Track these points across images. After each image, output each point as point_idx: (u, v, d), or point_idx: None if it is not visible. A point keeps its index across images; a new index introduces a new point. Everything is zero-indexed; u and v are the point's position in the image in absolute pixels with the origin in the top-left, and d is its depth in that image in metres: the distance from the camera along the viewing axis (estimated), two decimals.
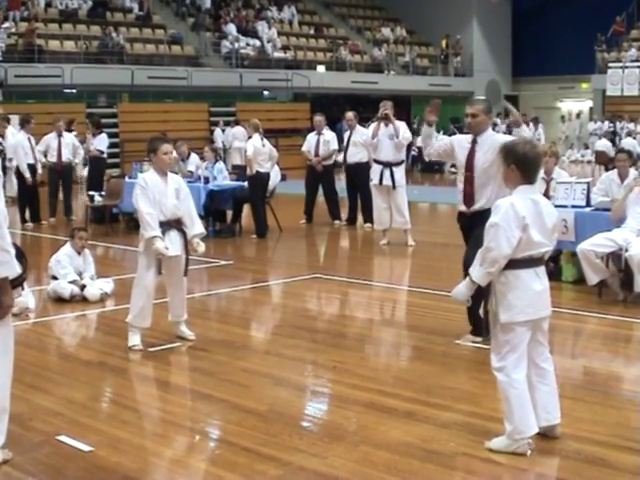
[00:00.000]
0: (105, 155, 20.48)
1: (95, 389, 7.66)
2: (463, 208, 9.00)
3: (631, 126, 36.20)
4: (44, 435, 6.40)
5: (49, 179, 19.06)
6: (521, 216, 5.74)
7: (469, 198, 8.86)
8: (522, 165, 5.86)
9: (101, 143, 19.89)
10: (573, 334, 9.67)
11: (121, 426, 6.59)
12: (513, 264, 5.82)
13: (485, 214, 8.30)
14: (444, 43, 45.08)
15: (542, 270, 5.98)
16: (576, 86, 44.71)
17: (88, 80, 30.54)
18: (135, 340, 8.75)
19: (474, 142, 8.74)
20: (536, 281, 5.90)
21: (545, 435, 6.10)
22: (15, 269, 5.45)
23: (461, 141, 9.03)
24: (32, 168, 18.55)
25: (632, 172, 11.75)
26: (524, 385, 5.92)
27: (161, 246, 8.62)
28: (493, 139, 8.63)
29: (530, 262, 5.88)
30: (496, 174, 8.18)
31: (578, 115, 42.22)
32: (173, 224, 8.93)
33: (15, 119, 22.69)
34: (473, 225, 8.47)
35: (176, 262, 8.95)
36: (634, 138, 32.57)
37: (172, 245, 8.83)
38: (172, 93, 34.06)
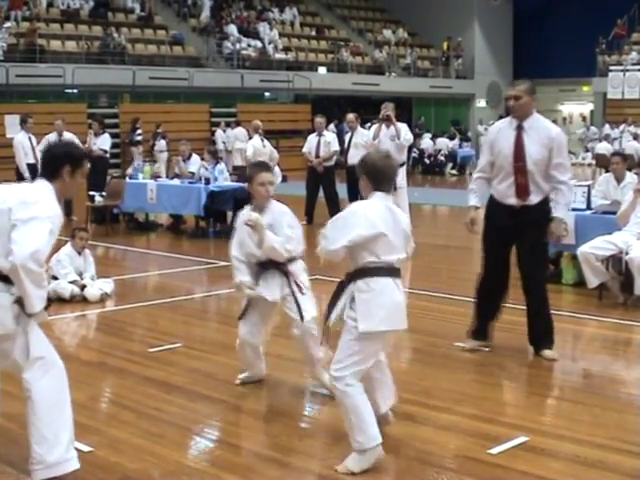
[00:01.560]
0: (108, 155, 20.48)
1: (95, 389, 7.66)
2: (512, 201, 8.21)
3: (631, 129, 36.20)
4: None
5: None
6: (370, 219, 5.73)
7: (523, 190, 8.14)
8: (372, 175, 5.88)
9: (104, 143, 19.87)
10: (573, 337, 9.68)
11: (121, 426, 6.59)
12: (374, 271, 5.74)
13: (539, 208, 8.20)
14: (445, 45, 45.09)
15: (400, 283, 5.87)
16: (577, 89, 44.75)
17: (89, 80, 30.54)
18: (243, 374, 7.78)
19: (520, 128, 8.14)
20: (396, 292, 5.79)
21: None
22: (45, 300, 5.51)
23: (502, 129, 8.38)
24: (33, 168, 18.53)
25: (630, 175, 11.77)
26: (364, 395, 5.75)
27: (249, 291, 7.38)
28: (541, 125, 8.18)
29: (390, 271, 5.78)
30: (547, 165, 8.06)
31: (584, 118, 42.25)
32: (270, 264, 7.45)
33: (13, 118, 22.64)
34: (523, 222, 8.16)
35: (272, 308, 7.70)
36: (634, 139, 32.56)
37: (268, 289, 7.46)
38: (173, 94, 34.06)
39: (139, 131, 28.37)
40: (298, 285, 7.47)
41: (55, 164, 5.41)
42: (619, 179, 11.69)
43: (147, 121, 30.69)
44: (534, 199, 8.16)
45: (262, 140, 17.39)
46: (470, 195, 8.63)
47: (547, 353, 8.36)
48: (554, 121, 37.89)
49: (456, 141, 36.81)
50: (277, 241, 7.34)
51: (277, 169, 18.29)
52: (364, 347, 5.69)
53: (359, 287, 5.75)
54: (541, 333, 8.51)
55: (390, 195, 5.96)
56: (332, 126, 31.91)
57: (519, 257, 8.42)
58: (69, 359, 8.68)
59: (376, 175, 5.89)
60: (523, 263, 8.40)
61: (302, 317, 7.30)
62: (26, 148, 18.60)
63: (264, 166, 7.83)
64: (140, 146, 29.15)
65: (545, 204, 8.21)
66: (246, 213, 7.60)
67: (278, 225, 7.48)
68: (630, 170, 12.48)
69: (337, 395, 5.77)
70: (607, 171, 29.34)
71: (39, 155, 18.59)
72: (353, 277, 5.85)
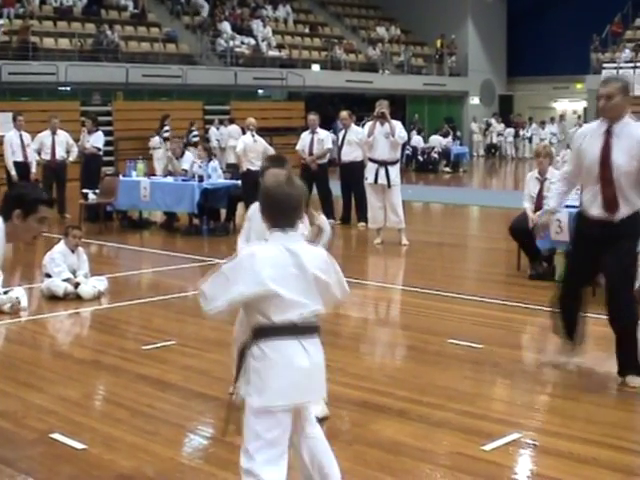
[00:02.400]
0: (101, 152, 20.46)
1: (89, 387, 7.66)
2: (599, 213, 7.40)
3: None
4: (37, 433, 6.39)
5: (43, 177, 19.02)
6: (257, 272, 4.52)
7: (610, 203, 7.31)
8: (267, 208, 4.75)
9: (97, 140, 19.85)
10: None
11: (114, 424, 6.59)
12: (270, 332, 4.57)
13: (629, 222, 7.30)
14: (439, 43, 45.09)
15: (313, 342, 4.68)
16: (571, 86, 44.75)
17: (82, 78, 30.50)
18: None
19: (609, 133, 7.29)
20: (301, 355, 4.60)
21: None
22: None
23: (588, 133, 7.53)
24: (23, 166, 18.46)
25: None
26: None
27: None
28: (631, 130, 7.28)
29: (293, 330, 4.59)
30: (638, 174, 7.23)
31: (579, 117, 42.27)
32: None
33: (5, 116, 22.59)
34: (612, 235, 7.34)
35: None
36: None
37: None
38: (167, 91, 34.02)
39: (167, 127, 28.56)
40: None
41: (6, 206, 5.26)
42: None
43: (141, 119, 30.66)
44: (623, 212, 7.31)
45: (253, 136, 17.36)
46: (549, 197, 8.27)
47: (630, 379, 7.52)
48: (552, 119, 37.67)
49: (449, 138, 36.82)
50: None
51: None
52: (265, 428, 4.59)
53: (253, 353, 4.62)
54: (626, 356, 7.62)
55: (294, 232, 4.70)
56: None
57: (606, 273, 7.67)
58: (63, 357, 8.71)
59: (272, 208, 4.71)
60: (610, 280, 7.57)
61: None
62: (14, 146, 18.51)
63: (278, 161, 6.37)
64: (168, 142, 29.21)
65: (636, 218, 7.38)
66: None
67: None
68: None
69: None
70: None
71: (30, 153, 18.58)
72: (250, 340, 4.68)
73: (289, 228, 4.67)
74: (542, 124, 40.87)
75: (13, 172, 18.28)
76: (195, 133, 30.09)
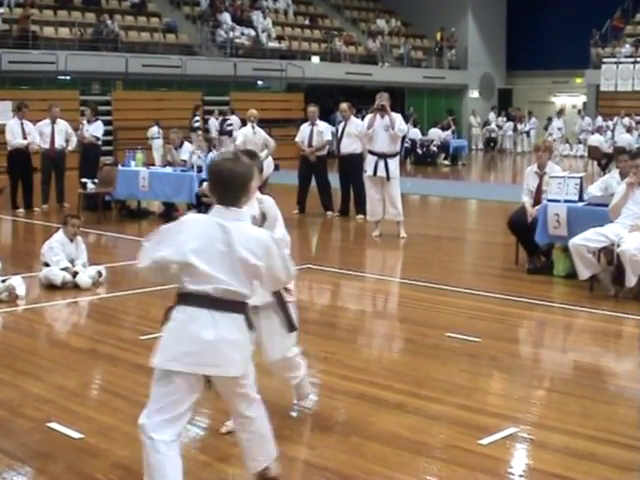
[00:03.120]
0: (101, 142, 20.45)
1: (86, 376, 7.66)
2: None
3: (624, 121, 36.22)
4: (34, 422, 6.40)
5: (42, 166, 19.01)
6: (181, 241, 4.70)
7: None
8: (211, 182, 4.93)
9: (97, 130, 19.84)
10: (564, 328, 9.71)
11: (112, 413, 6.59)
12: (185, 298, 4.73)
13: None
14: (439, 35, 45.04)
15: (228, 317, 4.74)
16: (570, 81, 44.71)
17: (82, 67, 30.46)
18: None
19: None
20: (208, 326, 4.68)
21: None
22: None
23: None
24: (21, 153, 18.42)
25: None
26: (172, 450, 4.74)
27: None
28: None
29: (205, 301, 4.68)
30: None
31: (579, 111, 42.26)
32: None
33: (5, 105, 22.59)
34: None
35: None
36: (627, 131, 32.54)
37: None
38: (166, 82, 33.97)
39: (197, 118, 28.81)
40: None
41: None
42: (625, 177, 11.51)
43: (140, 108, 30.64)
44: None
45: (253, 128, 17.34)
46: None
47: None
48: (558, 113, 37.35)
49: (449, 131, 36.77)
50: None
51: (270, 158, 18.26)
52: (164, 391, 4.72)
53: (170, 315, 4.81)
54: None
55: (237, 209, 4.81)
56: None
57: None
58: (60, 346, 8.71)
59: (215, 183, 4.86)
60: None
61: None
62: (15, 133, 18.47)
63: (249, 154, 5.66)
64: (199, 132, 29.44)
65: None
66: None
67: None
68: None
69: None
70: (599, 164, 29.41)
71: (28, 138, 18.53)
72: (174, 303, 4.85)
73: (232, 205, 4.78)
74: (549, 120, 40.40)
75: (19, 140, 18.23)
76: (197, 118, 30.26)
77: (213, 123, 31.78)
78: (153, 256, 4.75)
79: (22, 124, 18.57)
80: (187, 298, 4.71)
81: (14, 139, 18.36)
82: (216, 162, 4.92)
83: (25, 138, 18.41)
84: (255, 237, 4.81)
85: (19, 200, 18.43)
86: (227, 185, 4.78)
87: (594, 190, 11.66)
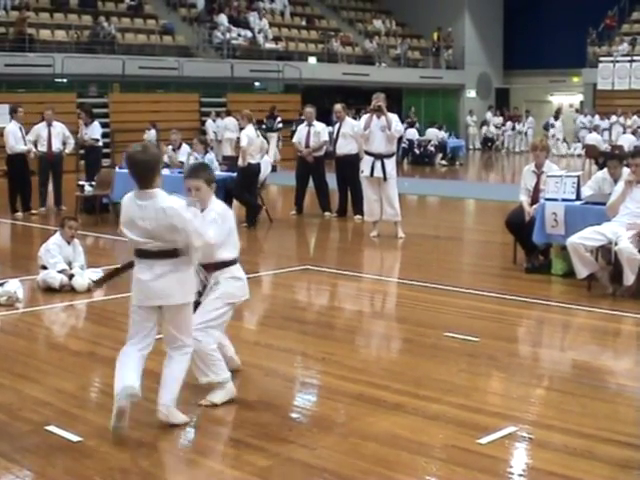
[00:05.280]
0: (101, 143, 20.44)
1: (84, 379, 7.65)
2: None
3: (621, 120, 36.26)
4: (33, 425, 6.39)
5: (39, 168, 19.00)
6: (121, 216, 6.42)
7: None
8: (128, 169, 6.25)
9: (95, 132, 19.82)
10: (562, 327, 9.70)
11: (110, 416, 6.56)
12: (135, 255, 6.33)
13: None
14: (435, 35, 45.04)
15: (162, 263, 6.21)
16: (567, 80, 44.74)
17: (79, 70, 30.45)
18: None
19: None
20: (145, 272, 6.22)
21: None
22: None
23: None
24: (21, 157, 18.49)
25: (626, 171, 11.70)
26: (128, 355, 6.49)
27: None
28: None
29: (143, 255, 6.25)
30: None
31: (577, 110, 42.27)
32: None
33: (2, 108, 22.57)
34: None
35: None
36: (633, 133, 32.40)
37: None
38: (163, 83, 34.00)
39: (279, 119, 29.17)
40: None
41: None
42: (616, 180, 11.54)
43: (137, 111, 30.65)
44: None
45: (257, 129, 17.31)
46: None
47: None
48: (557, 112, 37.23)
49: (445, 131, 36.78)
50: None
51: (267, 158, 18.27)
52: (133, 318, 6.52)
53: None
54: None
55: (150, 190, 6.14)
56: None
57: None
58: (58, 349, 8.71)
59: (130, 170, 6.20)
60: None
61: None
62: (17, 138, 18.49)
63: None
64: (279, 132, 29.99)
65: None
66: None
67: None
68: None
69: None
70: (596, 162, 29.38)
71: (28, 145, 18.58)
72: None
73: (144, 187, 6.13)
74: (551, 125, 40.16)
75: (20, 146, 18.27)
76: (280, 119, 30.81)
77: (210, 125, 31.80)
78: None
79: (21, 128, 18.58)
80: (135, 254, 6.31)
81: (16, 144, 18.39)
82: (128, 153, 6.22)
83: (24, 142, 18.45)
84: (163, 208, 6.08)
85: (17, 204, 18.42)
86: (138, 172, 6.13)
87: (586, 190, 11.67)
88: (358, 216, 17.07)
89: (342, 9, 46.15)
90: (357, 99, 34.19)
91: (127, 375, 6.24)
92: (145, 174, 6.11)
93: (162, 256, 6.19)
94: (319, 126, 18.34)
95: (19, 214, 18.19)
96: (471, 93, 46.20)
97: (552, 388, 7.46)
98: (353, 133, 16.94)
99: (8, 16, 31.75)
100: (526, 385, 7.44)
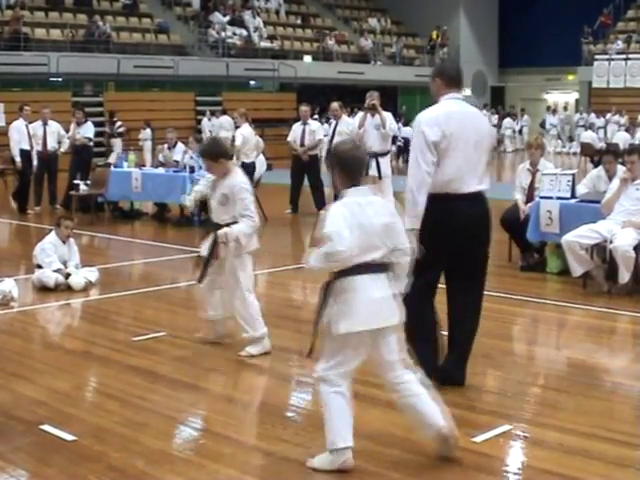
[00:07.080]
0: (92, 143, 20.42)
1: (79, 378, 7.65)
2: None
3: (616, 118, 36.28)
4: (27, 424, 6.38)
5: (35, 167, 19.01)
6: (349, 218, 5.46)
7: None
8: (344, 168, 5.66)
9: (88, 131, 19.78)
10: (557, 325, 9.70)
11: (105, 415, 6.58)
12: (349, 271, 5.50)
13: None
14: (435, 34, 45.02)
15: (380, 277, 5.57)
16: (562, 78, 44.81)
17: (74, 69, 30.45)
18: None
19: None
20: (372, 288, 5.52)
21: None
22: None
23: None
24: (27, 154, 18.54)
25: (621, 168, 11.71)
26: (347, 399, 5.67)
27: None
28: None
29: (364, 268, 5.53)
30: None
31: (565, 108, 42.32)
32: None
33: None
34: None
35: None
36: (626, 131, 32.43)
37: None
38: (158, 82, 34.00)
39: (316, 117, 29.58)
40: None
41: None
42: (611, 177, 11.57)
43: (132, 109, 30.62)
44: None
45: (252, 129, 17.29)
46: None
47: None
48: (553, 110, 37.21)
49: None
50: None
51: (262, 157, 18.25)
52: (344, 347, 5.64)
53: (336, 287, 5.57)
54: None
55: (362, 188, 5.66)
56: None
57: None
58: (53, 348, 8.69)
59: (347, 168, 5.66)
60: None
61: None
62: (22, 134, 18.56)
63: None
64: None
65: None
66: None
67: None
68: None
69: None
70: (592, 160, 29.35)
71: (33, 142, 18.66)
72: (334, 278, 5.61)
73: (358, 185, 5.66)
74: (550, 125, 40.11)
75: (18, 159, 18.37)
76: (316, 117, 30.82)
77: (205, 123, 31.79)
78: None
79: (26, 125, 18.66)
80: (350, 271, 5.51)
81: (19, 143, 18.47)
82: (346, 150, 5.69)
83: (30, 140, 18.55)
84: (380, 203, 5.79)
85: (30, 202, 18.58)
86: (356, 170, 5.70)
87: (581, 188, 11.69)
88: None
89: (337, 7, 46.20)
90: (352, 97, 34.17)
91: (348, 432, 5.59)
92: (358, 171, 5.70)
93: (385, 268, 5.68)
94: (314, 125, 18.34)
95: (30, 211, 18.32)
96: (466, 91, 46.18)
97: (547, 386, 7.46)
98: (349, 132, 16.93)
99: (3, 15, 31.76)
100: (521, 383, 7.44)
